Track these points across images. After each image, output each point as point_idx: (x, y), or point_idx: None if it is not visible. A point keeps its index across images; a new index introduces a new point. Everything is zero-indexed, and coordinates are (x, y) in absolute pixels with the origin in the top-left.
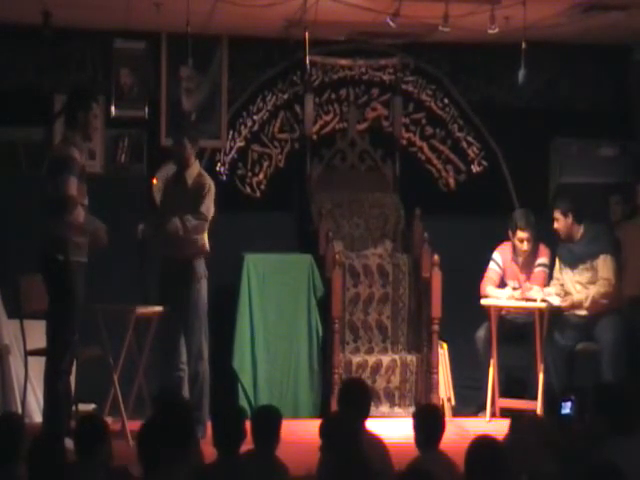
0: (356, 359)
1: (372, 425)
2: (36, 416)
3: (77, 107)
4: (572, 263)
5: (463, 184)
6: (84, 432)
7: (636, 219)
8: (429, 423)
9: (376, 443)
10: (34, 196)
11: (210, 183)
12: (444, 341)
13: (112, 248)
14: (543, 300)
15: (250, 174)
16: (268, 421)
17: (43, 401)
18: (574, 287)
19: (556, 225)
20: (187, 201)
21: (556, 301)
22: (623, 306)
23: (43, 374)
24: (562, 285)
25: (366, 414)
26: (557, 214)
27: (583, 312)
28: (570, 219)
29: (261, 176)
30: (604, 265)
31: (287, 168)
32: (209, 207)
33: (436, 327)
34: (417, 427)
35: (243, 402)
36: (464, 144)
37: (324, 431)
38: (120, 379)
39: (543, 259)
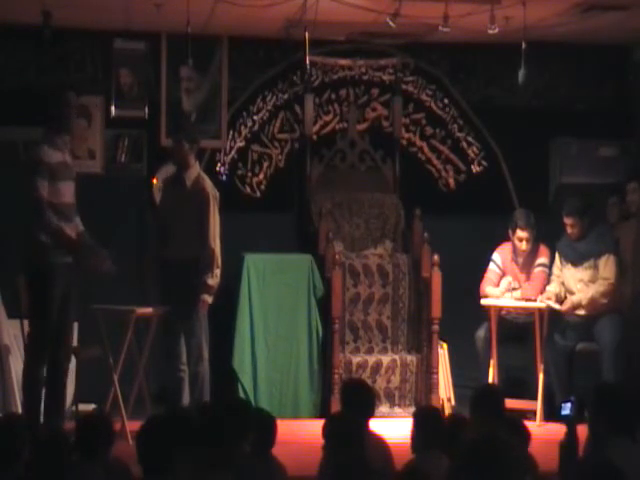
0: (356, 359)
1: (372, 425)
2: None
3: (51, 106)
4: (575, 260)
5: (463, 184)
6: (89, 433)
7: (632, 220)
8: (429, 425)
9: (378, 443)
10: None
11: (211, 191)
12: (444, 341)
13: (112, 248)
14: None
15: (250, 174)
16: (264, 423)
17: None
18: (575, 285)
19: (570, 230)
20: (187, 205)
21: (556, 306)
22: (623, 306)
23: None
24: (562, 283)
25: (370, 414)
26: (573, 220)
27: (582, 311)
28: (586, 220)
29: (261, 176)
30: (606, 265)
31: (287, 168)
32: (215, 232)
33: (436, 327)
34: (417, 429)
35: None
36: (464, 144)
37: (327, 431)
38: (120, 379)
39: (543, 259)
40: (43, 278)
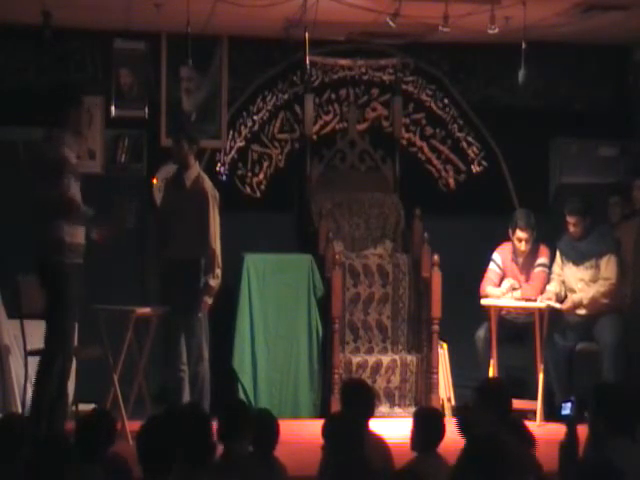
0: (356, 359)
1: (372, 425)
2: None
3: (68, 105)
4: (577, 260)
5: (463, 184)
6: (89, 433)
7: (634, 219)
8: (429, 427)
9: (379, 443)
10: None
11: (210, 192)
12: (444, 341)
13: (112, 248)
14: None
15: (250, 174)
16: (266, 424)
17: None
18: (576, 284)
19: (573, 229)
20: (186, 205)
21: (557, 306)
22: (623, 306)
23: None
24: (563, 282)
25: (370, 414)
26: (576, 219)
27: (583, 311)
28: (588, 220)
29: (261, 176)
30: (607, 265)
31: (287, 168)
32: (215, 232)
33: (436, 327)
34: (416, 430)
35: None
36: (464, 144)
37: (327, 432)
38: (120, 379)
39: (543, 259)
40: (64, 277)
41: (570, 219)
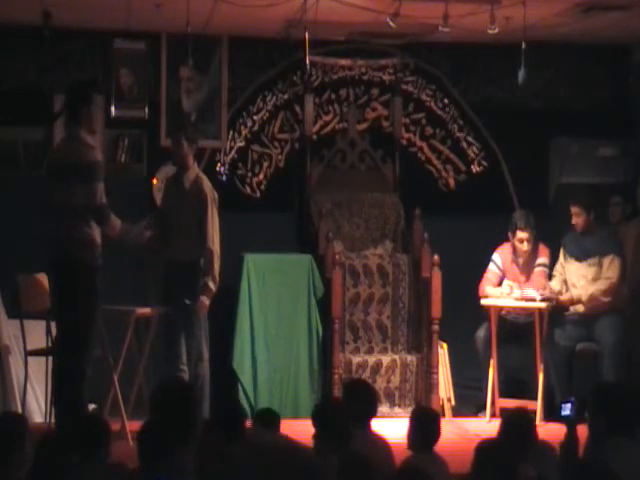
0: (356, 359)
1: (373, 425)
2: (36, 416)
3: (79, 102)
4: (580, 256)
5: (463, 184)
6: (86, 433)
7: (635, 219)
8: (425, 426)
9: (380, 444)
10: (34, 196)
11: (209, 193)
12: (444, 341)
13: (112, 248)
14: (543, 299)
15: (250, 174)
16: (267, 424)
17: (59, 402)
18: (578, 281)
19: (575, 220)
20: (185, 206)
21: (557, 287)
22: (624, 305)
23: (59, 376)
24: (564, 280)
25: (372, 414)
26: (577, 209)
27: (582, 309)
28: (592, 214)
29: (261, 176)
30: (610, 265)
31: (287, 168)
32: (214, 234)
33: (436, 327)
34: (413, 429)
35: (243, 402)
36: (464, 144)
37: (316, 419)
38: (120, 379)
39: (543, 259)
40: (98, 278)
41: (573, 209)
